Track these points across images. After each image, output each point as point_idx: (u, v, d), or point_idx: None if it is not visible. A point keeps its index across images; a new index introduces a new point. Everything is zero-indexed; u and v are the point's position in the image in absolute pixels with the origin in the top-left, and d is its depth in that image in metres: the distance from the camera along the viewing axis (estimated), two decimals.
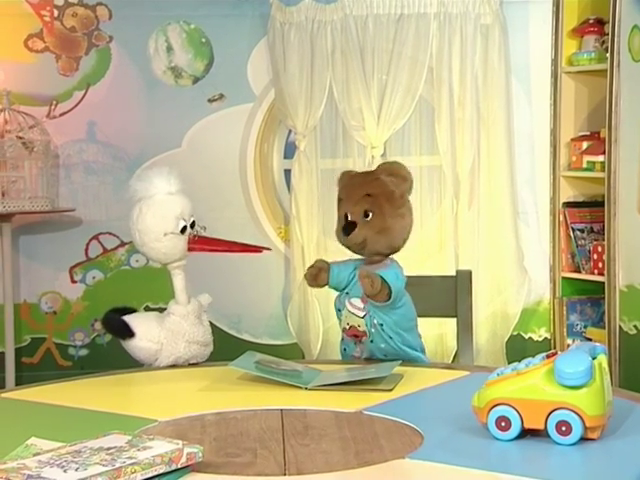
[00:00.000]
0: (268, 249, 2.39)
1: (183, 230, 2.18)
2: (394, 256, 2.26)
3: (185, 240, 2.19)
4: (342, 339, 2.29)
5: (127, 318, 2.22)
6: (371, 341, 2.22)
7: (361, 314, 2.21)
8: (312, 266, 2.27)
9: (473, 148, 3.91)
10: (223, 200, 3.97)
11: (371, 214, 2.18)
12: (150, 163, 3.88)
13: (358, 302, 2.22)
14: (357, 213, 2.19)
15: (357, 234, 2.19)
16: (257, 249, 2.32)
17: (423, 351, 2.31)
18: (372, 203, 2.18)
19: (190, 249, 2.20)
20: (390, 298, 2.15)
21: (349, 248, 2.24)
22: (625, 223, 3.62)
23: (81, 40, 3.92)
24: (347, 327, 2.24)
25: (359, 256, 2.26)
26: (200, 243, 2.22)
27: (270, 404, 1.83)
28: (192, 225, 2.21)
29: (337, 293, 2.29)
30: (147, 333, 2.19)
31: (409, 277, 2.25)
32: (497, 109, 3.92)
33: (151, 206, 2.18)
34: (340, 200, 2.26)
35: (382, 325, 2.20)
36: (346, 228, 2.20)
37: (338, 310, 2.27)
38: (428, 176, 3.96)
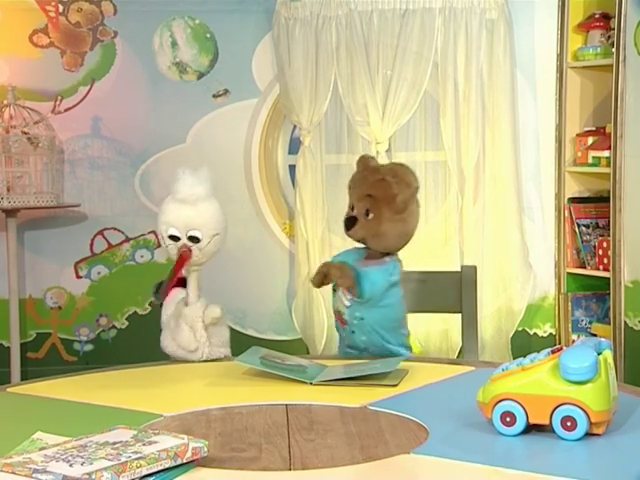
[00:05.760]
0: None
1: (174, 239, 2.12)
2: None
3: (173, 248, 2.12)
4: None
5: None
6: (352, 332, 2.24)
7: (347, 304, 2.23)
8: (317, 272, 2.25)
9: (478, 143, 3.91)
10: (228, 196, 3.96)
11: (371, 215, 2.19)
12: (154, 159, 3.88)
13: (347, 292, 2.23)
14: (359, 209, 2.21)
15: (355, 232, 2.22)
16: None
17: (408, 350, 2.29)
18: (372, 204, 2.19)
19: (178, 262, 2.12)
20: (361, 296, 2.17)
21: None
22: (630, 219, 3.61)
23: (86, 35, 3.92)
24: (336, 311, 2.28)
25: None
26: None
27: (275, 399, 1.83)
28: (194, 239, 2.12)
29: None
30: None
31: (413, 273, 2.23)
32: (502, 104, 3.91)
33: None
34: (349, 188, 2.27)
35: (363, 319, 2.22)
36: (347, 222, 2.22)
37: (334, 290, 2.28)
38: (433, 171, 3.96)
